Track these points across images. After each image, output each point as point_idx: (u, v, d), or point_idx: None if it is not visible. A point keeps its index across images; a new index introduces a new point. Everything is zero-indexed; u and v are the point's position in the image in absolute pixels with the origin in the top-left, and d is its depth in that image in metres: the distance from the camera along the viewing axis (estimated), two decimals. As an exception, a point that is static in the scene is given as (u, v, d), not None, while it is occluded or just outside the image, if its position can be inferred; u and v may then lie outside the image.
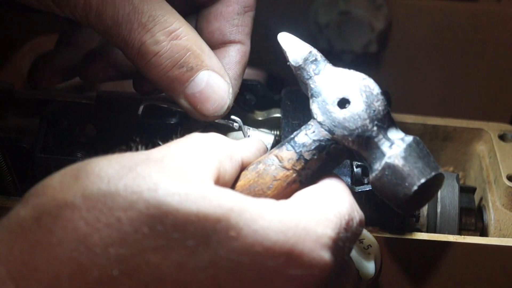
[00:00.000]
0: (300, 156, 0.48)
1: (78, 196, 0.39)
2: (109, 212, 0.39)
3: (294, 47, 0.53)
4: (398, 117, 0.71)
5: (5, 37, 0.85)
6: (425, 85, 0.94)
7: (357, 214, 0.46)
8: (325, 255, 0.42)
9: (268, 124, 0.65)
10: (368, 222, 0.58)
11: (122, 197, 0.39)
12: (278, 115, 0.64)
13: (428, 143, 0.72)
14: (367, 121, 0.48)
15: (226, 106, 0.55)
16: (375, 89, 0.50)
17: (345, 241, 0.44)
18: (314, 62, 0.52)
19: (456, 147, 0.72)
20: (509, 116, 0.91)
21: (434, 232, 0.61)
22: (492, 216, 0.63)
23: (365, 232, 0.57)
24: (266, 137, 0.60)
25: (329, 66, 0.52)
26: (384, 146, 0.48)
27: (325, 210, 0.44)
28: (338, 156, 0.49)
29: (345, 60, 0.91)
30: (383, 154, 0.48)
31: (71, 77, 0.65)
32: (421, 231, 0.61)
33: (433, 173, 0.47)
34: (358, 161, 0.57)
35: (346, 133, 0.48)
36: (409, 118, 0.71)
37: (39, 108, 0.64)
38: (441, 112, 0.76)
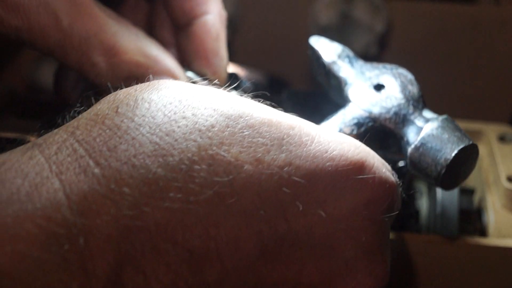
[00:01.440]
0: (340, 131, 0.50)
1: (154, 94, 0.39)
2: (185, 108, 0.39)
3: (327, 46, 0.55)
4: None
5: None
6: (425, 87, 0.93)
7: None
8: (393, 178, 0.43)
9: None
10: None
11: (196, 98, 0.39)
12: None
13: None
14: (403, 100, 0.51)
15: None
16: (408, 75, 0.53)
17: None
18: (348, 57, 0.54)
19: (456, 148, 0.72)
20: (508, 117, 0.91)
21: (434, 233, 0.62)
22: (491, 217, 0.63)
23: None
24: None
25: (361, 61, 0.54)
26: (420, 122, 0.50)
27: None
28: (375, 135, 0.51)
29: (345, 62, 0.91)
30: (419, 129, 0.49)
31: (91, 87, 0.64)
32: (421, 232, 0.61)
33: (471, 141, 0.49)
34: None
35: (383, 111, 0.50)
36: (408, 120, 0.72)
37: (40, 110, 0.65)
38: (440, 114, 0.76)
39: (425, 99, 0.97)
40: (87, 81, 0.60)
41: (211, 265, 0.37)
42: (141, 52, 0.53)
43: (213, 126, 0.38)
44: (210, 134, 0.38)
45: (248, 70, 0.77)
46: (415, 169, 0.50)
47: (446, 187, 0.50)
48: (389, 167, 0.44)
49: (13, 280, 0.32)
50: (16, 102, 0.66)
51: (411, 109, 0.50)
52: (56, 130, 0.39)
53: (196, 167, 0.37)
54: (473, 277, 0.61)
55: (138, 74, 0.52)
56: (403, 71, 0.53)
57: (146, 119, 0.38)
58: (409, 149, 0.50)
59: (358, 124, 0.50)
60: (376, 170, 0.41)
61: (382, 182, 0.41)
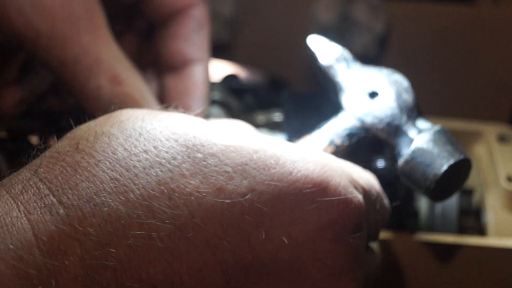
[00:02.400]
0: (331, 142, 0.50)
1: (115, 127, 0.40)
2: (145, 141, 0.39)
3: (325, 48, 0.54)
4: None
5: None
6: (424, 87, 0.93)
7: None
8: (360, 197, 0.42)
9: (269, 127, 0.65)
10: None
11: (158, 130, 0.40)
12: (279, 117, 0.64)
13: (427, 145, 0.72)
14: (397, 110, 0.50)
15: None
16: (404, 82, 0.52)
17: (373, 208, 0.45)
18: (345, 60, 0.54)
19: (455, 148, 0.72)
20: (507, 117, 0.91)
21: (433, 233, 0.62)
22: (490, 217, 0.63)
23: (365, 233, 0.57)
24: None
25: (359, 64, 0.54)
26: (412, 133, 0.50)
27: (358, 168, 0.45)
28: (366, 146, 0.51)
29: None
30: (411, 141, 0.49)
31: (37, 104, 0.64)
32: (421, 232, 0.61)
33: (462, 156, 0.48)
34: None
35: (376, 121, 0.50)
36: (408, 120, 0.72)
37: (39, 109, 0.65)
38: (439, 114, 0.76)
39: (424, 99, 0.97)
40: (33, 103, 0.61)
41: None
42: (138, 89, 0.54)
43: (174, 158, 0.38)
44: (170, 166, 0.38)
45: (248, 70, 0.77)
46: (406, 181, 0.50)
47: (437, 199, 0.50)
48: (360, 182, 0.44)
49: None
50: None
51: (404, 119, 0.50)
52: (20, 170, 0.39)
53: (156, 202, 0.37)
54: (473, 277, 0.61)
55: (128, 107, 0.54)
56: (399, 77, 0.52)
57: (106, 155, 0.38)
58: (400, 162, 0.49)
59: (350, 135, 0.50)
60: (342, 190, 0.41)
61: (347, 202, 0.41)
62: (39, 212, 0.36)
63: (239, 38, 0.88)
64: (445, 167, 0.47)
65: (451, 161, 0.48)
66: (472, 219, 0.64)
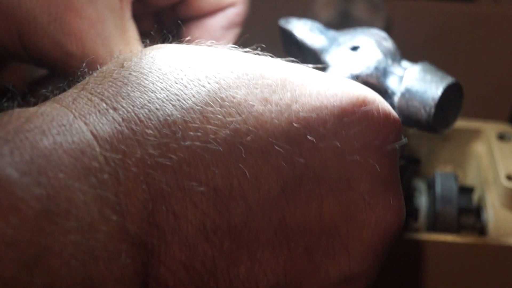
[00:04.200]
0: None
1: (158, 50, 0.40)
2: (188, 59, 0.40)
3: (297, 24, 0.55)
4: (397, 117, 0.71)
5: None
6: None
7: None
8: (394, 111, 0.43)
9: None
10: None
11: (197, 53, 0.41)
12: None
13: (427, 142, 0.72)
14: (381, 55, 0.51)
15: None
16: (381, 33, 0.53)
17: None
18: (319, 29, 0.55)
19: (455, 147, 0.72)
20: (507, 116, 0.91)
21: (433, 231, 0.62)
22: (490, 215, 0.63)
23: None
24: None
25: (333, 30, 0.55)
26: (401, 71, 0.51)
27: None
28: None
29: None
30: (401, 78, 0.50)
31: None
32: (420, 231, 0.61)
33: (453, 80, 0.49)
34: None
35: (363, 69, 0.51)
36: (408, 118, 0.72)
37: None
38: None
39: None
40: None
41: (236, 203, 0.37)
42: None
43: (218, 72, 0.39)
44: (216, 79, 0.39)
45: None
46: (405, 118, 0.50)
47: (439, 129, 0.51)
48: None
49: (57, 205, 0.32)
50: (15, 100, 0.66)
51: (389, 62, 0.51)
52: (66, 91, 0.39)
53: (209, 108, 0.37)
54: (472, 275, 0.61)
55: None
56: (375, 30, 0.54)
57: (153, 70, 0.39)
58: (396, 99, 0.50)
59: None
60: (379, 104, 0.42)
61: (386, 114, 0.42)
62: (94, 117, 0.36)
63: (238, 38, 0.87)
64: (441, 89, 0.48)
65: (446, 82, 0.49)
66: (472, 217, 0.64)
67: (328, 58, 0.53)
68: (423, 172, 0.71)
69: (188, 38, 0.58)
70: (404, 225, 0.60)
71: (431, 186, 0.65)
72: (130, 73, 0.39)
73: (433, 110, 0.49)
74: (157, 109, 0.37)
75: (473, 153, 0.71)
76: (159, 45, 0.42)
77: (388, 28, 0.91)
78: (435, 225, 0.62)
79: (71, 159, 0.33)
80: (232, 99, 0.38)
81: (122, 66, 0.39)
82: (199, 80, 0.38)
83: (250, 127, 0.38)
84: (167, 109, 0.37)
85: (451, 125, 0.51)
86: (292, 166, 0.39)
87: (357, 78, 0.51)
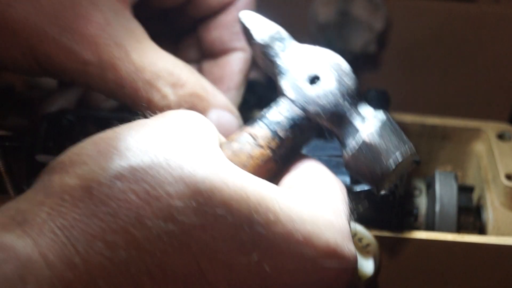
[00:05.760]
0: (275, 135, 0.48)
1: (126, 167, 0.39)
2: (157, 185, 0.38)
3: (259, 25, 0.52)
4: (397, 116, 0.71)
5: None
6: (424, 85, 0.94)
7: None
8: (352, 248, 0.43)
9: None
10: (367, 221, 0.58)
11: (168, 171, 0.39)
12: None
13: (426, 142, 0.72)
14: (339, 97, 0.48)
15: None
16: (345, 65, 0.49)
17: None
18: (281, 40, 0.51)
19: (455, 146, 0.72)
20: (507, 115, 0.91)
21: (433, 231, 0.62)
22: (490, 215, 0.63)
23: (363, 231, 0.57)
24: None
25: (295, 43, 0.51)
26: (357, 122, 0.48)
27: (335, 200, 0.45)
28: (310, 133, 0.49)
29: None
30: (356, 130, 0.47)
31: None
32: (420, 230, 0.61)
33: (409, 151, 0.47)
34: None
35: (319, 109, 0.48)
36: (407, 118, 0.72)
37: (39, 108, 0.65)
38: (439, 112, 0.76)
39: (424, 97, 0.97)
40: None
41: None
42: (200, 85, 0.54)
43: (185, 207, 0.39)
44: (182, 218, 0.39)
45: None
46: (352, 173, 0.49)
47: (382, 189, 0.49)
48: (348, 232, 0.44)
49: None
50: (15, 100, 0.66)
51: (347, 106, 0.48)
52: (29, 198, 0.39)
53: (168, 257, 0.38)
54: (472, 275, 0.61)
55: (199, 107, 0.54)
56: (338, 59, 0.49)
57: (121, 204, 0.39)
58: (345, 155, 0.48)
59: (294, 126, 0.48)
60: (340, 251, 0.42)
61: (345, 260, 0.42)
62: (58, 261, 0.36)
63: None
64: (392, 165, 0.46)
65: (400, 157, 0.46)
66: (472, 217, 0.64)
67: (283, 83, 0.49)
68: (423, 171, 0.71)
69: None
70: (404, 224, 0.60)
71: (431, 186, 0.65)
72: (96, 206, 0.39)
73: (380, 183, 0.47)
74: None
75: (473, 153, 0.71)
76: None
77: (388, 28, 0.91)
78: (434, 224, 0.62)
79: None
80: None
81: (90, 194, 0.39)
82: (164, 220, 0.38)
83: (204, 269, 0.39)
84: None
85: (394, 182, 0.49)
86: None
87: (310, 119, 0.48)
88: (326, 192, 0.45)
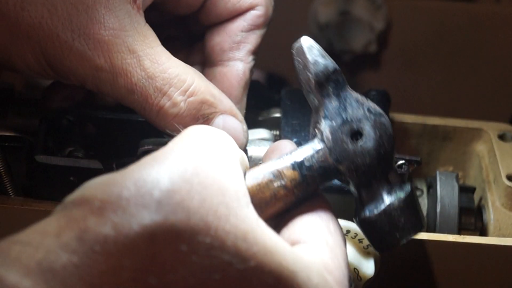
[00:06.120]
0: (304, 180, 0.47)
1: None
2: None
3: (319, 59, 0.50)
4: (398, 117, 0.71)
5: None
6: (425, 85, 0.94)
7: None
8: None
9: (267, 124, 0.64)
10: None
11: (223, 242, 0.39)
12: (277, 115, 0.64)
13: (427, 143, 0.72)
14: (375, 160, 0.47)
15: (242, 146, 0.55)
16: (389, 129, 0.48)
17: None
18: (336, 82, 0.49)
19: (456, 146, 0.72)
20: (508, 116, 0.91)
21: (434, 231, 0.61)
22: (491, 215, 0.63)
23: (365, 232, 0.57)
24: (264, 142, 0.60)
25: (349, 90, 0.50)
26: (384, 190, 0.48)
27: (339, 257, 0.45)
28: (332, 181, 0.49)
29: (345, 60, 0.91)
30: (381, 197, 0.48)
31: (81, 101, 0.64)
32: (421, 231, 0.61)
33: (420, 228, 0.48)
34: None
35: (352, 167, 0.47)
36: (408, 118, 0.71)
37: (39, 108, 0.64)
38: (440, 112, 0.76)
39: (425, 97, 0.97)
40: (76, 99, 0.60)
41: None
42: (210, 92, 0.54)
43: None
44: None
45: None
46: (362, 230, 0.49)
47: (384, 251, 0.50)
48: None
49: None
50: (14, 100, 0.66)
51: (379, 172, 0.47)
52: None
53: None
54: (473, 275, 0.61)
55: (206, 113, 0.54)
56: (385, 121, 0.48)
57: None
58: (363, 215, 0.48)
59: (324, 175, 0.47)
60: None
61: None
62: None
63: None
64: (404, 242, 0.47)
65: (411, 236, 0.47)
66: (473, 217, 0.63)
67: (324, 128, 0.48)
68: (424, 172, 0.71)
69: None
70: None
71: (432, 186, 0.64)
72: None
73: (387, 250, 0.48)
74: None
75: (474, 153, 0.71)
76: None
77: (388, 28, 0.90)
78: (436, 225, 0.62)
79: None
80: None
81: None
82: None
83: None
84: None
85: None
86: None
87: (340, 173, 0.48)
88: (330, 251, 0.45)
